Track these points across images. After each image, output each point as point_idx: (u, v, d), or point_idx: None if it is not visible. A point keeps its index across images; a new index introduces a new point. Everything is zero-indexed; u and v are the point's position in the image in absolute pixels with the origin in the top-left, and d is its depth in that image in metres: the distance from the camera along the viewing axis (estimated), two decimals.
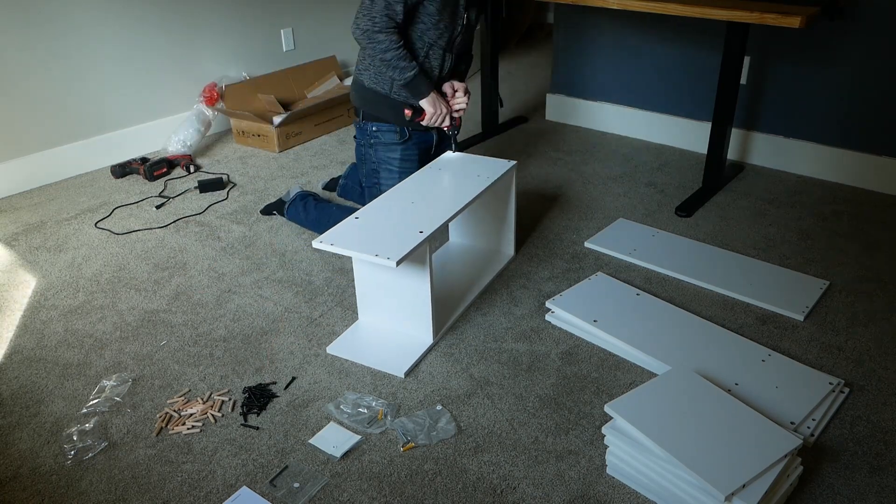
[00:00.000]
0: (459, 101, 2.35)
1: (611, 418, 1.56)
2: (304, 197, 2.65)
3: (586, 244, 2.50)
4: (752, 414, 1.54)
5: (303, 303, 2.21)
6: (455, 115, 2.35)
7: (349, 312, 2.16)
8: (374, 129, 2.37)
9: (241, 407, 1.79)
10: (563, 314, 2.06)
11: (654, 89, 3.37)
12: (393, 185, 2.25)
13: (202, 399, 1.81)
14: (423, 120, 2.30)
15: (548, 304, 2.10)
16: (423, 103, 2.27)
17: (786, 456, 1.43)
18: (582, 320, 2.01)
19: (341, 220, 2.20)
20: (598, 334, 1.98)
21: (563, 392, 1.82)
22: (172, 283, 2.34)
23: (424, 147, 2.46)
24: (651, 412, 1.53)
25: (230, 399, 1.82)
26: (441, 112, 2.28)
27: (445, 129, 2.34)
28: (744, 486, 1.36)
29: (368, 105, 2.36)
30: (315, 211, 2.57)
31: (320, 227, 2.44)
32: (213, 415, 1.76)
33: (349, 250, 1.80)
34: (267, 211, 2.77)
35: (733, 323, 2.07)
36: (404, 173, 2.35)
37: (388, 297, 2.00)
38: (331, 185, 2.93)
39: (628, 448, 1.50)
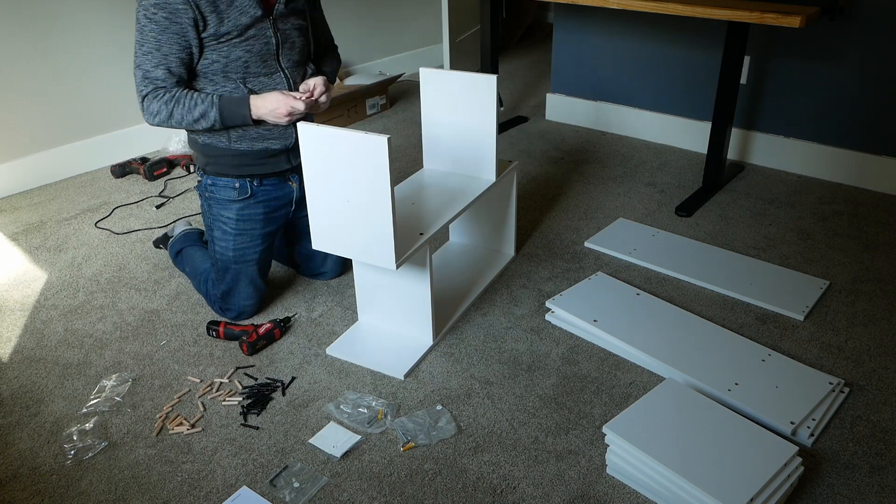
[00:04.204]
0: (311, 85, 1.92)
1: (611, 416, 1.56)
2: (178, 248, 2.36)
3: (586, 244, 2.50)
4: (747, 423, 1.55)
5: (302, 303, 2.21)
6: (318, 102, 1.94)
7: (349, 313, 2.16)
8: (209, 182, 2.02)
9: (241, 407, 1.79)
10: (563, 314, 2.05)
11: (654, 89, 3.37)
12: (228, 247, 2.03)
13: (208, 389, 1.82)
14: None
15: (548, 303, 2.10)
16: (259, 113, 1.86)
17: (785, 465, 1.44)
18: (582, 320, 2.01)
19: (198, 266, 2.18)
20: (598, 334, 1.98)
21: (563, 392, 1.82)
22: (172, 283, 2.34)
23: (277, 205, 2.07)
24: (649, 430, 1.53)
25: (229, 392, 1.82)
26: (284, 104, 1.83)
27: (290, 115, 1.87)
28: (751, 500, 1.37)
29: (209, 161, 2.01)
30: (181, 264, 2.33)
31: (193, 279, 2.26)
32: (211, 399, 1.76)
33: (350, 252, 1.79)
34: (157, 244, 2.53)
35: (733, 323, 2.07)
36: (241, 234, 2.03)
37: (388, 299, 2.00)
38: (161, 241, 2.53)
39: (629, 447, 1.50)
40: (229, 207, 2.02)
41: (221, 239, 2.05)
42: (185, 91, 1.85)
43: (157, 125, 1.88)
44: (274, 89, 1.92)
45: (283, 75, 1.95)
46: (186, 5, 1.76)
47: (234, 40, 1.84)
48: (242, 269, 2.07)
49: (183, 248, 2.33)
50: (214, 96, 1.85)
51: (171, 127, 1.88)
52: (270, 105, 1.84)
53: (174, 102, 1.83)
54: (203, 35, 1.82)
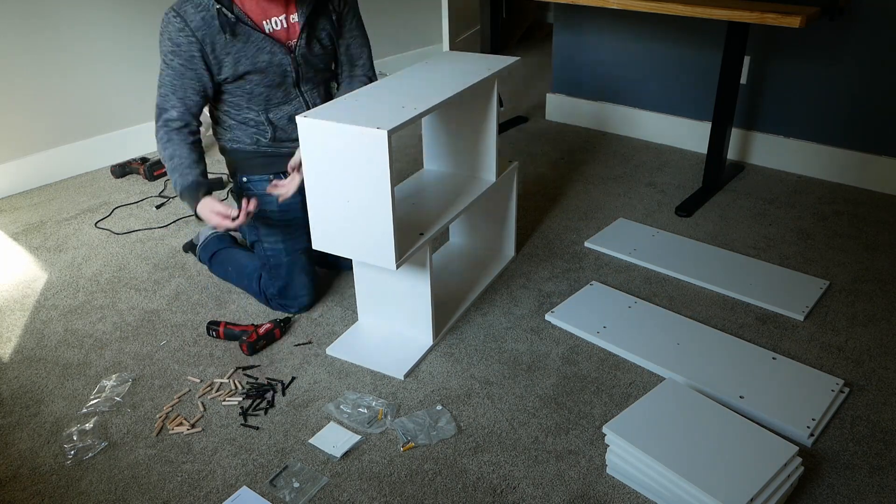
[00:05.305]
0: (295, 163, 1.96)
1: (611, 416, 1.56)
2: (212, 250, 2.35)
3: (586, 244, 2.50)
4: (747, 423, 1.55)
5: None
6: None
7: (349, 312, 2.16)
8: (244, 180, 2.10)
9: (241, 407, 1.79)
10: (564, 325, 2.06)
11: (654, 89, 3.37)
12: (278, 240, 2.08)
13: (209, 389, 1.82)
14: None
15: (547, 317, 2.09)
16: (202, 215, 1.92)
17: (785, 464, 1.44)
18: (583, 331, 2.01)
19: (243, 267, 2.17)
20: (600, 344, 1.98)
21: (563, 392, 1.82)
22: (172, 283, 2.34)
23: None
24: (649, 430, 1.52)
25: (231, 390, 1.82)
26: (213, 219, 1.89)
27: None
28: (751, 500, 1.37)
29: (239, 164, 2.11)
30: (219, 266, 2.32)
31: (231, 279, 2.28)
32: (211, 399, 1.76)
33: (350, 252, 1.79)
34: (187, 248, 2.52)
35: (733, 323, 2.07)
36: (288, 225, 2.10)
37: (388, 299, 2.00)
38: (188, 247, 2.52)
39: (629, 447, 1.50)
40: (269, 202, 2.06)
41: (269, 234, 2.10)
42: (176, 148, 1.94)
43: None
44: (293, 114, 2.04)
45: (301, 100, 2.06)
46: (200, 52, 1.87)
47: (254, 78, 1.95)
48: (295, 259, 2.11)
49: (218, 251, 2.33)
50: (180, 182, 1.91)
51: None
52: (204, 215, 1.90)
53: (164, 149, 1.95)
54: (218, 78, 1.93)
